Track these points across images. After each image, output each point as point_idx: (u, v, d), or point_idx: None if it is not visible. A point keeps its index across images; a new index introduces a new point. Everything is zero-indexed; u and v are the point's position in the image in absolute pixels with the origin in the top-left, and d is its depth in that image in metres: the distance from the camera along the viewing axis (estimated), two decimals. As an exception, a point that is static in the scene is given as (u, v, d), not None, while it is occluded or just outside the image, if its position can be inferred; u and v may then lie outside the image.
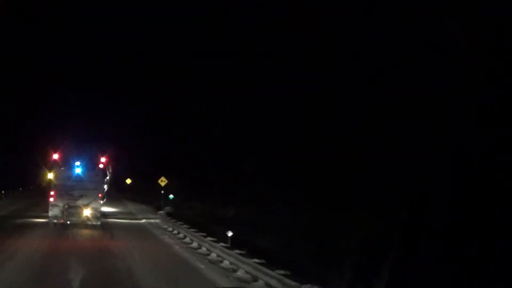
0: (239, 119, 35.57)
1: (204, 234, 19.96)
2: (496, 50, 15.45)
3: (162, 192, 36.94)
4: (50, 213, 23.08)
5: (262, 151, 30.08)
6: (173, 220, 26.73)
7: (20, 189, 53.27)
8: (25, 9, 42.16)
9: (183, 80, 45.16)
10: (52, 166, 24.42)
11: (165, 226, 25.85)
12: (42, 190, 37.30)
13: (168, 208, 35.57)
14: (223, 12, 36.72)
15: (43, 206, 27.52)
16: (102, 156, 25.38)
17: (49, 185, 24.21)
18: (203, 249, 17.69)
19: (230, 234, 17.72)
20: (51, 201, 23.17)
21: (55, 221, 22.95)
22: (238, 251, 15.16)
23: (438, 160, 15.88)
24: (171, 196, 37.90)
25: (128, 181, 59.25)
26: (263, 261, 13.48)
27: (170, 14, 47.20)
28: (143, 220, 30.33)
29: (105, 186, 26.42)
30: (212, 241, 17.86)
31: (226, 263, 14.90)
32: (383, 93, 22.19)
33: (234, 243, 17.27)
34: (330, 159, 22.96)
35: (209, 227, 23.26)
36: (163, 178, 36.28)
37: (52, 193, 23.30)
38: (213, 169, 39.42)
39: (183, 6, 42.08)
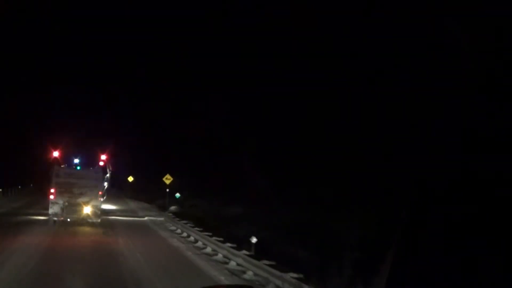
0: (239, 119, 35.61)
1: (221, 239, 17.70)
2: (496, 50, 15.51)
3: (167, 190, 34.52)
4: (50, 211, 23.07)
5: (263, 150, 30.09)
6: (183, 221, 24.70)
7: (19, 187, 51.89)
8: (25, 9, 42.29)
9: (183, 80, 45.30)
10: (52, 163, 24.40)
11: (173, 227, 24.16)
12: (42, 188, 37.15)
13: (174, 208, 34.10)
14: (223, 12, 36.81)
15: (43, 204, 27.43)
16: (102, 153, 25.37)
17: (49, 182, 24.18)
18: (219, 256, 15.69)
19: (254, 240, 15.56)
20: (51, 199, 23.17)
21: (55, 218, 22.95)
22: (267, 262, 12.74)
23: (439, 160, 15.94)
24: (177, 194, 35.80)
25: (130, 179, 57.02)
26: (301, 275, 11.27)
27: (170, 14, 47.33)
28: (146, 218, 30.00)
29: (106, 184, 26.37)
30: (232, 247, 15.52)
31: (250, 274, 12.97)
32: (383, 93, 22.27)
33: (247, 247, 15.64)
34: (330, 158, 23.02)
35: (221, 228, 22.00)
36: (168, 176, 33.73)
37: (52, 190, 23.29)
38: (213, 168, 39.22)
39: (183, 6, 42.21)
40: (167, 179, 33.66)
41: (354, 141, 22.36)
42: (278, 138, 30.24)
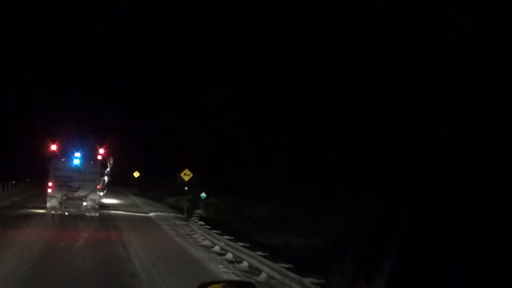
0: (240, 118, 35.41)
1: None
2: (496, 33, 15.46)
3: (186, 188, 28.42)
4: (48, 204, 23.01)
5: (266, 149, 30.02)
6: (225, 236, 17.03)
7: (13, 182, 47.90)
8: (25, 8, 42.35)
9: (185, 80, 45.19)
10: (50, 157, 24.30)
11: (206, 242, 17.61)
12: (39, 183, 36.69)
13: (200, 211, 29.42)
14: (223, 12, 36.84)
15: (39, 203, 27.11)
16: (101, 147, 25.24)
17: (47, 176, 24.10)
18: None
19: None
20: (49, 192, 23.10)
21: (53, 212, 22.89)
22: None
23: (440, 159, 15.99)
24: (203, 194, 29.76)
25: (136, 174, 53.89)
26: None
27: (170, 13, 47.26)
28: (152, 214, 28.66)
29: (106, 178, 26.24)
30: None
31: None
32: (383, 92, 22.34)
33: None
34: (333, 156, 23.10)
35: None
36: (186, 171, 27.69)
37: (50, 184, 23.23)
38: (221, 165, 38.24)
39: (184, 6, 42.11)
40: (186, 175, 27.77)
41: (357, 138, 22.43)
42: (279, 137, 30.26)
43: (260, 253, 13.57)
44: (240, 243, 15.41)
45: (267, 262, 12.12)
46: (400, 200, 15.53)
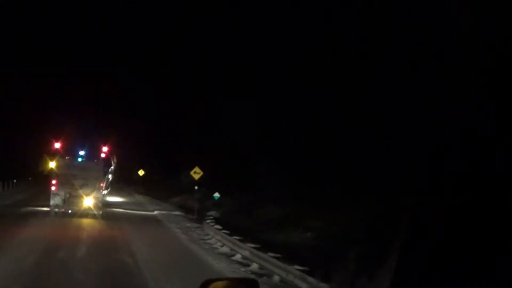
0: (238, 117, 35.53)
1: None
2: (496, 33, 15.65)
3: (196, 188, 26.96)
4: (52, 202, 23.18)
5: (264, 147, 30.06)
6: (250, 244, 14.91)
7: (14, 181, 47.11)
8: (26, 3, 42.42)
9: (182, 80, 45.27)
10: (54, 155, 24.44)
11: (225, 248, 16.08)
12: (42, 181, 36.45)
13: (213, 213, 28.09)
14: (223, 12, 36.96)
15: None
16: (104, 145, 25.38)
17: (51, 174, 24.25)
18: None
19: None
20: (53, 190, 23.25)
21: (57, 210, 23.05)
22: None
23: (440, 159, 16.16)
24: (216, 195, 28.11)
25: (141, 172, 52.92)
26: None
27: (170, 13, 47.38)
28: (156, 212, 28.37)
29: (110, 176, 26.38)
30: None
31: None
32: (383, 92, 22.51)
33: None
34: (335, 152, 23.19)
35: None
36: (197, 169, 26.00)
37: (53, 182, 23.38)
38: (221, 161, 38.10)
39: (184, 6, 42.24)
40: (196, 174, 26.07)
41: (357, 138, 22.57)
42: (279, 137, 30.34)
43: (298, 267, 11.44)
44: (271, 254, 13.26)
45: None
46: (400, 200, 15.71)
